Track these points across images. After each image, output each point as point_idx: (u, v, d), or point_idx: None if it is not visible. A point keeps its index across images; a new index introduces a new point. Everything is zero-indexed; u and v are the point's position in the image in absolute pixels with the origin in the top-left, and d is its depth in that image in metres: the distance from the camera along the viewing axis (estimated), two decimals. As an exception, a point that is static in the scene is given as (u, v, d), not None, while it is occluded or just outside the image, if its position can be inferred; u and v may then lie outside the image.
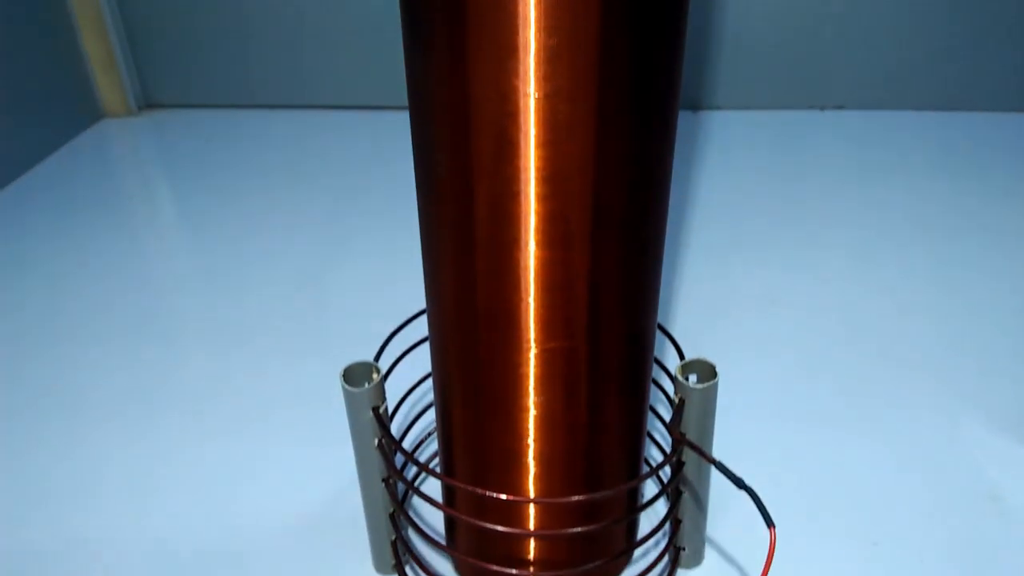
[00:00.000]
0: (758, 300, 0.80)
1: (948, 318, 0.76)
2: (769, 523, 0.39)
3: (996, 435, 0.63)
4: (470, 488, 0.49)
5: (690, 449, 0.46)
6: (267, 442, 0.65)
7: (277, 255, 0.91)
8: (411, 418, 0.60)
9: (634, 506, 0.53)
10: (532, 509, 0.48)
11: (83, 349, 0.77)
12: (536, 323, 0.42)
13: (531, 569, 0.51)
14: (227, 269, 0.89)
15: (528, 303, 0.41)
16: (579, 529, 0.47)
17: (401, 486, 0.54)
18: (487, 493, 0.48)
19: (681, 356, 0.48)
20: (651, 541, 0.55)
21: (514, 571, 0.50)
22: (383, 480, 0.49)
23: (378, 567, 0.54)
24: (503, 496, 0.47)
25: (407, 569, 0.54)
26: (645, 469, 0.55)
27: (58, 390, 0.72)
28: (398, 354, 0.53)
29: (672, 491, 0.50)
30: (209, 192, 1.05)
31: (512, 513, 0.49)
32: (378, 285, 0.84)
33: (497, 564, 0.49)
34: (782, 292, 0.81)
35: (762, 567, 0.39)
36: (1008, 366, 0.70)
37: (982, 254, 0.86)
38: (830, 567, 0.53)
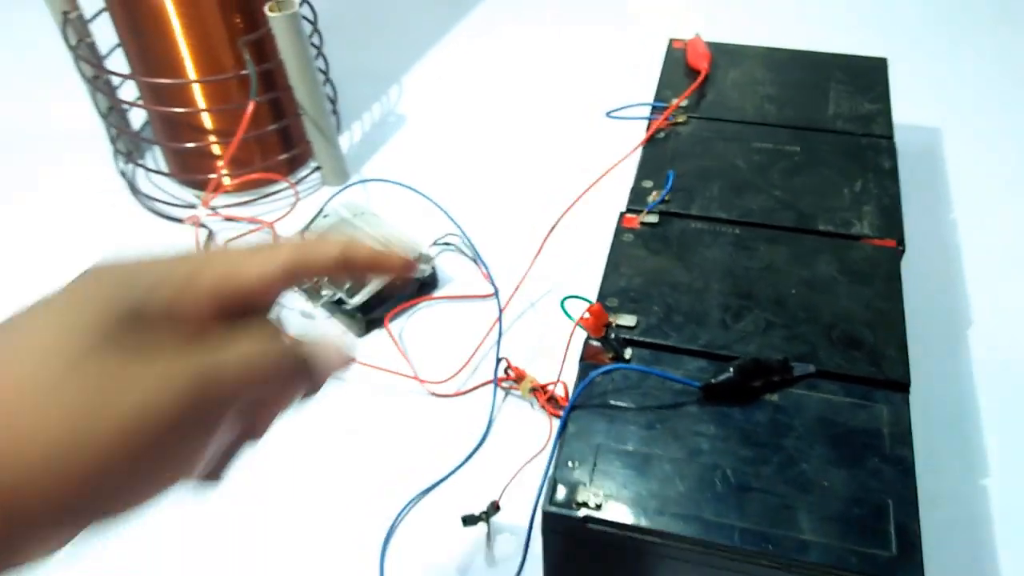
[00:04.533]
0: None
1: None
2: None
3: None
4: (147, 80, 0.63)
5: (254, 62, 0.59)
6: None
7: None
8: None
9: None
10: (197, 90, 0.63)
11: None
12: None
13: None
14: None
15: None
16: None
17: (104, 94, 0.69)
18: (162, 81, 0.62)
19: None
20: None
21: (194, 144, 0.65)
22: (90, 80, 0.64)
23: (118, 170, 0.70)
24: (174, 81, 0.62)
25: (137, 173, 0.70)
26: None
27: None
28: None
29: (292, 115, 0.65)
30: None
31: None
32: None
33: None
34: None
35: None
36: None
37: None
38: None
